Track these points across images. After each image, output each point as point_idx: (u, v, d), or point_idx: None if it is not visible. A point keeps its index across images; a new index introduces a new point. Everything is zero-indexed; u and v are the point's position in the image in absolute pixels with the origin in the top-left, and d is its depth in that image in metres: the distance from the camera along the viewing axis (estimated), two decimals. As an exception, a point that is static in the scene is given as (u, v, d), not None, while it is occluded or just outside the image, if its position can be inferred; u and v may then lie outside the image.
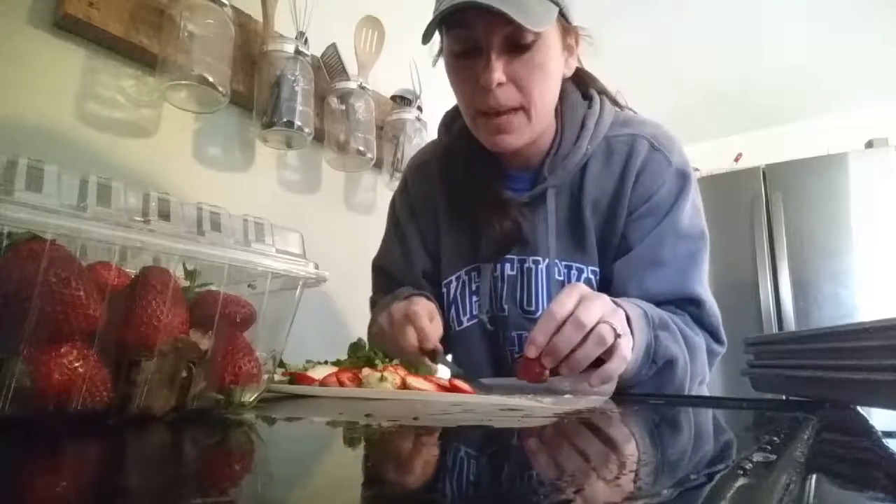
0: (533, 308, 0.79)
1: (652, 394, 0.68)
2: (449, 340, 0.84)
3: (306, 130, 1.09)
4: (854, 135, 2.53)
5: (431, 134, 1.32)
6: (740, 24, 2.31)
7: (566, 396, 0.55)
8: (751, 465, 0.24)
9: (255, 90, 1.09)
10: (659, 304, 0.73)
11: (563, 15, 0.70)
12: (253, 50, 1.10)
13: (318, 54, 1.20)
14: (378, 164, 1.35)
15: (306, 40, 1.12)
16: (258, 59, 1.09)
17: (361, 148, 1.21)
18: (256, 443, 0.35)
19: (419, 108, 1.39)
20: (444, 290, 0.86)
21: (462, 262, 0.85)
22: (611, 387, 0.59)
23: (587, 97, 0.82)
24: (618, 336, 0.56)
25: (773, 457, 0.26)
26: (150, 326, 0.34)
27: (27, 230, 0.31)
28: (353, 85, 1.22)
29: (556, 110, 0.79)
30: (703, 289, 0.76)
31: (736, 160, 2.92)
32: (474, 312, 0.83)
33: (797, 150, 2.44)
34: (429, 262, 0.91)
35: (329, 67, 1.21)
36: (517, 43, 0.68)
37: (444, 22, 0.68)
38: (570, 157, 0.78)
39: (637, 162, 0.77)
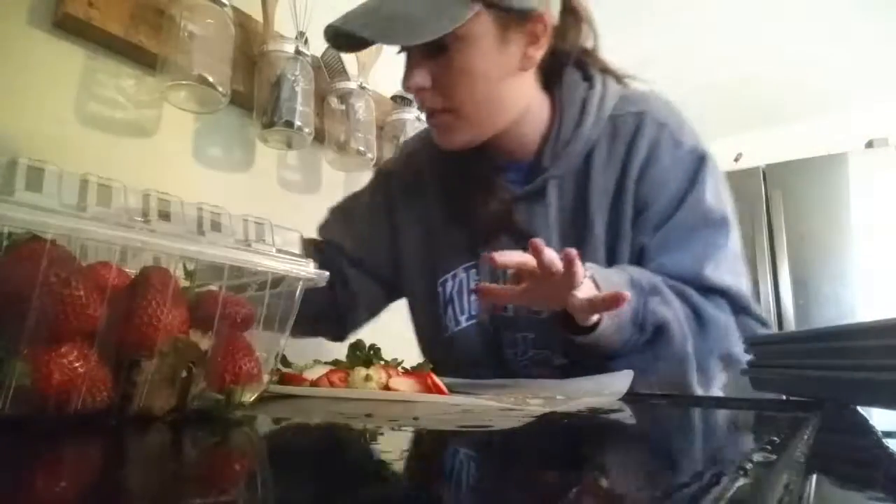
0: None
1: (652, 394, 0.68)
2: (443, 344, 0.81)
3: (306, 130, 1.08)
4: (854, 135, 2.53)
5: (431, 134, 1.33)
6: (740, 24, 2.31)
7: (558, 398, 0.54)
8: (751, 465, 0.24)
9: (255, 90, 1.08)
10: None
11: (494, 6, 0.64)
12: (253, 50, 1.10)
13: (318, 54, 1.20)
14: (378, 165, 1.35)
15: (306, 40, 1.11)
16: (258, 59, 1.09)
17: (362, 148, 1.21)
18: (256, 443, 0.35)
19: (419, 109, 1.38)
20: (441, 288, 0.82)
21: (459, 258, 0.81)
22: (621, 387, 0.58)
23: (588, 78, 0.77)
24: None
25: (773, 457, 0.26)
26: (150, 326, 0.34)
27: (27, 230, 0.31)
28: (353, 85, 1.22)
29: (552, 95, 0.76)
30: (726, 275, 0.71)
31: (736, 160, 2.92)
32: (472, 312, 0.79)
33: (797, 150, 2.44)
34: (391, 262, 0.87)
35: (329, 67, 1.21)
36: (432, 45, 0.64)
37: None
38: (572, 144, 0.74)
39: (643, 144, 0.73)
